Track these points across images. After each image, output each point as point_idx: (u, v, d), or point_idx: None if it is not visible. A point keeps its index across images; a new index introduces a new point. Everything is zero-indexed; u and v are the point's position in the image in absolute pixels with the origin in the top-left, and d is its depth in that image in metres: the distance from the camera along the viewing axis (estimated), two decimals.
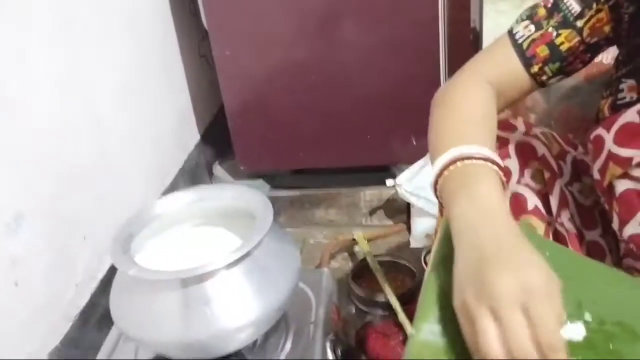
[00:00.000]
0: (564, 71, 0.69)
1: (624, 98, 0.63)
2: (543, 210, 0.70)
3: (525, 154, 0.72)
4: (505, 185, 0.57)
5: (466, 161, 0.56)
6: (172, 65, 1.48)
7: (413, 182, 1.36)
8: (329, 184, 1.52)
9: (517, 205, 0.70)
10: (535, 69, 0.68)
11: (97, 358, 0.88)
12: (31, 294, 0.88)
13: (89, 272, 1.04)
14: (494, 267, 0.45)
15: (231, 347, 0.77)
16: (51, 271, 0.93)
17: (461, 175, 0.55)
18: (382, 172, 1.47)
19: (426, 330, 0.49)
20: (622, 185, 0.61)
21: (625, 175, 0.60)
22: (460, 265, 0.48)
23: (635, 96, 0.62)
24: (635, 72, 0.64)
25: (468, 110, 0.64)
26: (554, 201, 0.70)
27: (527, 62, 0.68)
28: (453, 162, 0.56)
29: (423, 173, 1.37)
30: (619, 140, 0.60)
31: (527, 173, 0.71)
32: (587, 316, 0.51)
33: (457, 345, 0.49)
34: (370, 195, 1.49)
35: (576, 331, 0.50)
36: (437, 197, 0.59)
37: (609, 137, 0.61)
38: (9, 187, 0.85)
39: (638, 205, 0.59)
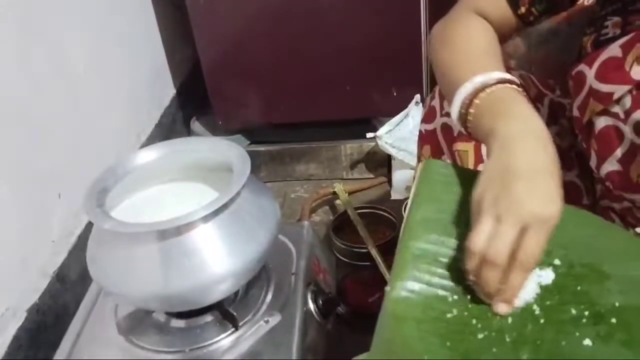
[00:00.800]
0: (551, 11, 0.69)
1: (607, 34, 0.62)
2: None
3: None
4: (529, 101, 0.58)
5: (493, 87, 0.56)
6: (144, 16, 1.43)
7: (394, 134, 1.35)
8: (309, 137, 1.51)
9: None
10: (522, 10, 0.67)
11: (78, 312, 0.87)
12: (7, 250, 0.87)
13: (66, 230, 1.02)
14: (521, 187, 0.48)
15: (212, 299, 0.77)
16: (26, 228, 0.91)
17: (497, 100, 0.56)
18: (362, 125, 1.46)
19: (400, 288, 0.51)
20: (601, 122, 0.60)
21: (605, 112, 0.59)
22: (492, 166, 0.51)
23: (618, 31, 0.61)
24: (622, 11, 0.63)
25: (475, 41, 0.65)
26: None
27: (514, 3, 0.67)
28: (481, 89, 0.56)
29: (404, 125, 1.36)
30: (600, 76, 0.59)
31: None
32: (557, 261, 0.53)
33: (431, 302, 0.50)
34: (350, 148, 1.48)
35: (546, 276, 0.52)
36: (464, 127, 0.59)
37: (590, 73, 0.60)
38: None
39: (616, 142, 0.59)
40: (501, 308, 0.49)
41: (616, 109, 0.58)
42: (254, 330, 0.76)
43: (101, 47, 1.19)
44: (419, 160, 0.85)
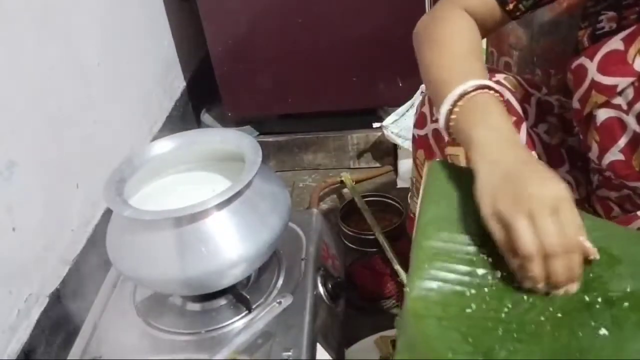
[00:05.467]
0: (538, 5, 0.70)
1: (603, 28, 0.64)
2: None
3: None
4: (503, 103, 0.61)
5: (470, 94, 0.59)
6: (155, 10, 1.46)
7: (399, 124, 1.38)
8: (317, 128, 1.54)
9: None
10: (510, 6, 0.69)
11: (98, 297, 0.91)
12: (29, 239, 0.90)
13: (84, 219, 1.06)
14: (526, 178, 0.51)
15: (226, 283, 0.80)
16: (47, 217, 0.95)
17: (471, 107, 0.58)
18: (369, 115, 1.49)
19: (419, 287, 0.52)
20: (603, 114, 0.62)
21: (607, 104, 0.61)
22: (485, 182, 0.53)
23: (614, 25, 0.63)
24: (615, 5, 0.65)
25: (459, 42, 0.66)
26: None
27: (502, 1, 0.69)
28: (460, 97, 0.59)
29: (409, 115, 1.38)
30: (603, 68, 0.61)
31: None
32: None
33: (450, 299, 0.52)
34: (357, 138, 1.51)
35: None
36: (447, 133, 0.62)
37: (592, 66, 0.62)
38: None
39: (619, 132, 0.62)
40: (572, 288, 0.51)
41: (618, 100, 0.60)
42: (267, 311, 0.79)
43: (114, 42, 1.22)
44: (414, 162, 0.88)
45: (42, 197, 0.94)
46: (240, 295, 0.83)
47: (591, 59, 0.63)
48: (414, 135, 0.84)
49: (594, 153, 0.66)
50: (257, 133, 1.56)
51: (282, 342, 0.78)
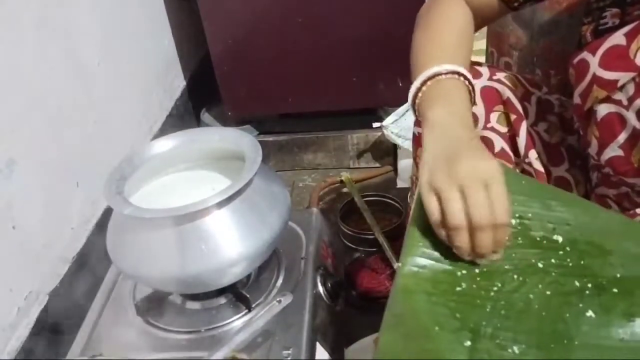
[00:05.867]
0: None
1: (607, 23, 0.64)
2: (510, 153, 0.74)
3: (490, 99, 0.74)
4: (472, 94, 0.63)
5: (441, 76, 0.61)
6: (155, 9, 1.46)
7: (399, 124, 1.38)
8: (317, 128, 1.54)
9: None
10: None
11: (97, 296, 0.91)
12: (29, 237, 0.90)
13: (84, 217, 1.06)
14: (463, 155, 0.53)
15: (225, 281, 0.80)
16: (47, 216, 0.95)
17: (436, 89, 0.61)
18: (369, 115, 1.49)
19: (411, 263, 0.54)
20: (603, 109, 0.63)
21: (607, 99, 0.62)
22: (429, 153, 0.56)
23: (617, 21, 0.63)
24: (619, 2, 0.65)
25: (448, 31, 0.68)
26: (521, 142, 0.73)
27: None
28: (429, 78, 0.61)
29: (409, 115, 1.39)
30: (605, 63, 0.61)
31: (493, 117, 0.74)
32: (559, 238, 0.55)
33: (440, 277, 0.53)
34: (357, 138, 1.51)
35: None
36: (414, 111, 0.64)
37: (594, 61, 0.62)
38: None
39: (619, 128, 0.62)
40: (495, 256, 0.54)
41: (619, 95, 0.61)
42: (266, 310, 0.79)
43: (114, 41, 1.22)
44: (414, 160, 0.88)
45: (42, 196, 0.94)
46: (240, 294, 0.84)
47: (593, 53, 0.63)
48: (414, 133, 0.85)
49: (593, 149, 0.66)
50: (257, 132, 1.56)
51: (282, 341, 0.78)
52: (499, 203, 0.51)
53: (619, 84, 0.60)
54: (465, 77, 0.62)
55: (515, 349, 0.49)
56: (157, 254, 0.76)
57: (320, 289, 0.90)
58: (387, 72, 1.41)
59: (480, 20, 0.71)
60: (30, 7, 0.94)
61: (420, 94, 0.62)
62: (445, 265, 0.54)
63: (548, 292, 0.51)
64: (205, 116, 1.63)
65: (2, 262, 0.85)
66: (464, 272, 0.53)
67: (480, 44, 1.21)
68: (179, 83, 1.58)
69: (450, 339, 0.49)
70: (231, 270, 0.78)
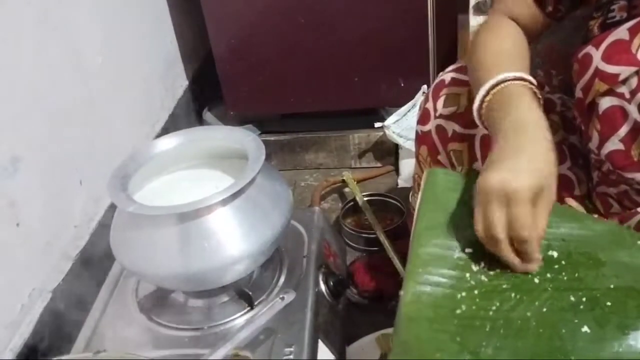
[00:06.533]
0: (576, 6, 0.73)
1: (614, 17, 0.65)
2: None
3: None
4: (539, 96, 0.63)
5: (508, 83, 0.62)
6: (157, 9, 1.46)
7: (401, 124, 1.38)
8: (318, 127, 1.54)
9: (487, 147, 0.74)
10: (549, 8, 0.72)
11: (100, 293, 0.91)
12: (32, 234, 0.91)
13: (87, 215, 1.07)
14: (494, 169, 0.54)
15: (228, 279, 0.80)
16: (50, 213, 0.96)
17: (500, 97, 0.62)
18: (370, 115, 1.50)
19: (412, 292, 0.54)
20: (606, 102, 0.63)
21: (610, 92, 0.62)
22: (487, 162, 0.57)
23: (625, 14, 0.64)
24: None
25: (502, 44, 0.70)
26: None
27: (541, 3, 0.72)
28: (496, 85, 0.62)
29: (411, 115, 1.39)
30: (607, 57, 0.62)
31: None
32: (555, 253, 0.57)
33: (441, 301, 0.54)
34: (359, 138, 1.52)
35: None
36: (481, 123, 0.65)
37: (597, 54, 0.63)
38: (1, 131, 0.86)
39: (620, 121, 0.62)
40: (532, 267, 0.55)
41: (622, 89, 0.61)
42: (269, 308, 0.79)
43: (117, 40, 1.22)
44: (417, 159, 0.88)
45: (45, 193, 0.95)
46: (242, 291, 0.84)
47: (597, 47, 0.63)
48: (417, 132, 0.85)
49: (594, 143, 0.67)
50: (259, 132, 1.56)
51: (284, 339, 0.78)
52: (515, 222, 0.53)
53: (621, 77, 0.60)
54: (528, 81, 0.62)
55: None
56: (160, 251, 0.77)
57: (322, 287, 0.91)
58: (389, 72, 1.42)
59: (529, 36, 0.73)
60: (32, 5, 0.95)
61: (485, 104, 0.63)
62: (445, 289, 0.54)
63: (544, 309, 0.52)
64: (207, 115, 1.64)
65: (6, 259, 0.85)
66: (463, 294, 0.54)
67: None
68: (181, 82, 1.58)
69: None
70: (234, 268, 0.79)
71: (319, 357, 0.80)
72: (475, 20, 1.20)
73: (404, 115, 1.39)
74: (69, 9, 1.05)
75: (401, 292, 0.55)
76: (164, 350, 0.80)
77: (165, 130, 1.39)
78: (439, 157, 0.82)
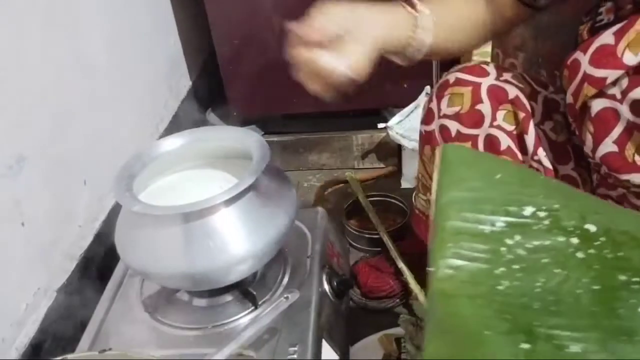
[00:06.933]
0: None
1: (602, 20, 0.65)
2: (516, 150, 0.74)
3: (497, 97, 0.75)
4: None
5: None
6: (161, 8, 1.47)
7: (404, 125, 1.38)
8: (322, 128, 1.54)
9: (491, 147, 0.75)
10: None
11: (105, 292, 0.92)
12: (37, 233, 0.91)
13: (91, 215, 1.07)
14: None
15: (232, 278, 0.80)
16: (54, 212, 0.96)
17: None
18: (373, 115, 1.50)
19: (444, 266, 0.49)
20: (597, 105, 0.63)
21: (601, 94, 0.62)
22: None
23: (612, 17, 0.64)
24: None
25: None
26: (529, 140, 0.73)
27: None
28: None
29: (414, 116, 1.39)
30: (595, 61, 0.62)
31: (499, 116, 0.75)
32: (591, 227, 0.52)
33: (478, 277, 0.49)
34: (362, 138, 1.52)
35: None
36: None
37: (585, 59, 0.63)
38: (7, 130, 0.86)
39: (613, 122, 0.62)
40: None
41: (613, 90, 0.61)
42: (273, 307, 0.80)
43: (121, 40, 1.23)
44: (421, 158, 0.89)
45: (50, 193, 0.95)
46: (246, 291, 0.84)
47: (585, 52, 0.64)
48: (421, 132, 0.85)
49: (588, 146, 0.67)
50: (262, 133, 1.57)
51: (288, 338, 0.78)
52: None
53: (608, 81, 0.61)
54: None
55: (578, 348, 0.45)
56: (165, 250, 0.77)
57: (326, 287, 0.91)
58: (391, 73, 1.40)
59: (504, 23, 0.72)
60: (37, 5, 0.95)
61: None
62: (481, 265, 0.50)
63: (594, 287, 0.48)
64: (211, 116, 1.64)
65: (11, 258, 0.85)
66: (502, 269, 0.49)
67: (486, 45, 1.22)
68: (185, 83, 1.59)
69: (504, 342, 0.45)
70: (238, 267, 0.79)
71: (322, 357, 0.81)
72: None
73: (407, 115, 1.39)
74: (74, 10, 1.06)
75: (429, 268, 0.50)
76: (169, 349, 0.80)
77: (168, 131, 1.40)
78: None
